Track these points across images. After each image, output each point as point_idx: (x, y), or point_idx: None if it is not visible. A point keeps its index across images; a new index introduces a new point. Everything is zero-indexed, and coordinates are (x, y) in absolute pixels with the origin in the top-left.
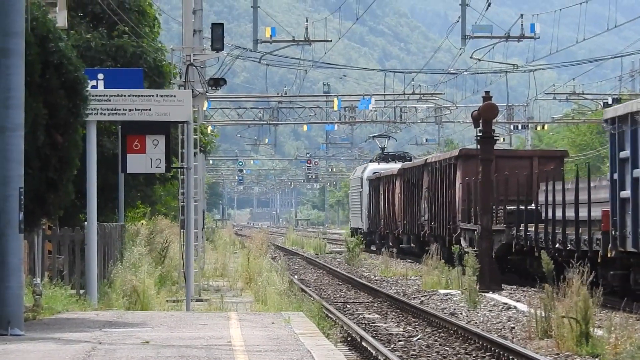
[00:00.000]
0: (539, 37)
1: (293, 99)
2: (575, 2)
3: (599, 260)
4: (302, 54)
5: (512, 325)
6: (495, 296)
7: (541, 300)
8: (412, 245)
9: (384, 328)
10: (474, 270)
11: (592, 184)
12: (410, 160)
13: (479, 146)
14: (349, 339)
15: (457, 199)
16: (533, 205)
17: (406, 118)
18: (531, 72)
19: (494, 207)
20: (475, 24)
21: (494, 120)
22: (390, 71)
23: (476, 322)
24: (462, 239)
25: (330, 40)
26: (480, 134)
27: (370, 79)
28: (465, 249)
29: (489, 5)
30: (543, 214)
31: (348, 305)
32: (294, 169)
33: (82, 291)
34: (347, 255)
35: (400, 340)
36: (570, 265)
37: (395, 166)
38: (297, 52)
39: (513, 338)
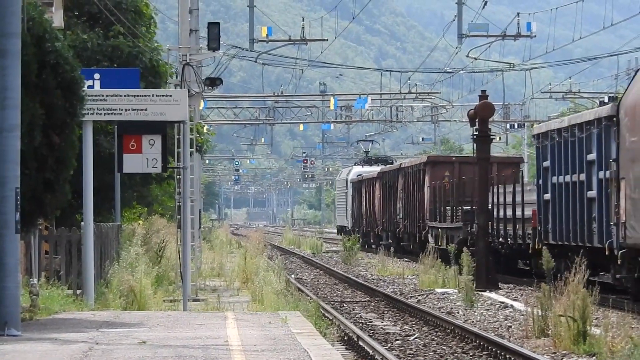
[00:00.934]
0: (535, 36)
1: (289, 99)
2: (571, 0)
3: (529, 252)
4: (299, 53)
5: (509, 324)
6: (492, 295)
7: (538, 299)
8: (390, 241)
9: (381, 327)
10: (470, 269)
11: (527, 188)
12: (391, 163)
13: (474, 145)
14: (346, 338)
15: (425, 200)
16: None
17: (402, 117)
18: (527, 71)
19: (453, 207)
20: (472, 23)
21: (490, 119)
22: (387, 70)
23: (473, 321)
24: (429, 235)
25: (327, 40)
26: (477, 133)
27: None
28: (432, 245)
29: (485, 4)
30: (495, 213)
31: (345, 305)
32: (290, 169)
33: (78, 291)
34: (344, 255)
35: (397, 340)
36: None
37: (377, 169)
38: (293, 52)
39: (510, 337)
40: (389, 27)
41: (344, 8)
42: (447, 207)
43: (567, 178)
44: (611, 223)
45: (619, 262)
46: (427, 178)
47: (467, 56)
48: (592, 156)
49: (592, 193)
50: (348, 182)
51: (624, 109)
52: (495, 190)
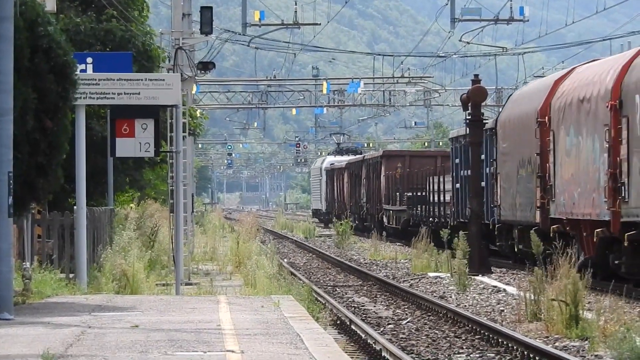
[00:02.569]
0: (528, 20)
1: (282, 83)
2: None
3: (448, 227)
4: (291, 37)
5: (502, 308)
6: (485, 279)
7: (530, 283)
8: (356, 222)
9: (374, 311)
10: (463, 253)
11: (448, 179)
12: (360, 153)
13: (467, 129)
14: (338, 322)
15: (382, 187)
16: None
17: (395, 101)
18: (520, 55)
19: (402, 193)
20: (465, 7)
21: (483, 103)
22: (380, 54)
23: (466, 305)
24: (384, 216)
25: (319, 24)
26: (469, 117)
27: (360, 62)
28: (386, 225)
29: None
30: (431, 199)
31: (337, 289)
32: (283, 153)
33: (71, 275)
34: (337, 239)
35: (390, 324)
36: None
37: (347, 159)
38: (286, 36)
39: (502, 321)
40: (381, 11)
41: None
42: (397, 193)
43: (469, 172)
44: (492, 205)
45: (496, 234)
46: (383, 169)
47: (460, 40)
48: (483, 156)
49: (482, 183)
50: (322, 170)
51: (500, 123)
52: (431, 180)
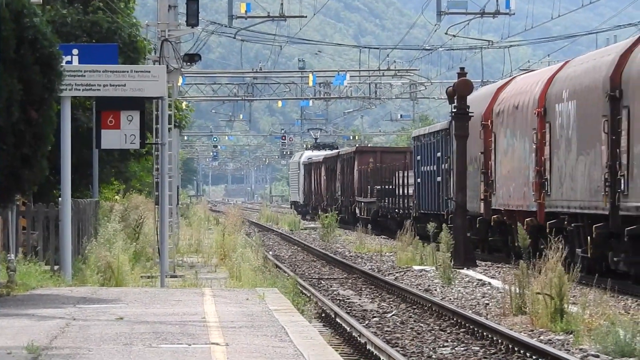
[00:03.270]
0: (514, 14)
1: (268, 75)
2: None
3: (411, 218)
4: (278, 29)
5: (487, 302)
6: (470, 272)
7: (516, 276)
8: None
9: (359, 304)
10: (448, 246)
11: (411, 173)
12: (336, 148)
13: (453, 122)
14: (323, 315)
15: (355, 181)
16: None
17: (381, 94)
18: (506, 49)
19: (372, 186)
20: (451, 0)
21: (469, 96)
22: (366, 47)
23: (451, 299)
24: (357, 208)
25: (306, 16)
26: (455, 110)
27: (346, 54)
28: (358, 215)
29: None
30: (397, 192)
31: (323, 282)
32: (269, 145)
33: (56, 267)
34: (322, 232)
35: (375, 317)
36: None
37: (324, 153)
38: (272, 28)
39: (487, 314)
40: (367, 3)
41: None
42: (368, 187)
43: (428, 168)
44: (446, 198)
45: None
46: (356, 163)
47: (446, 33)
48: (439, 154)
49: (439, 179)
50: (300, 165)
51: (452, 126)
52: (398, 174)
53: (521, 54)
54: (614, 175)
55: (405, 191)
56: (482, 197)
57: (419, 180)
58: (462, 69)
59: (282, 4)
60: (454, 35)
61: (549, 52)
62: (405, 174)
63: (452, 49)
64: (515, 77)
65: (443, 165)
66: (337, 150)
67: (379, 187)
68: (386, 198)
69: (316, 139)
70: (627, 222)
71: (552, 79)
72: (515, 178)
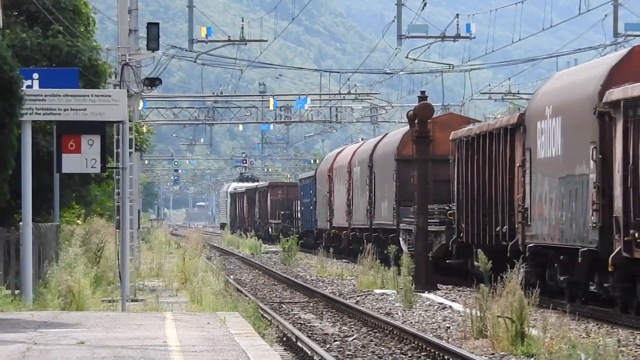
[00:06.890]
0: (474, 37)
1: (229, 99)
2: (511, 2)
3: (299, 233)
4: (238, 53)
5: (448, 325)
6: (431, 296)
7: (476, 300)
8: (252, 231)
9: (320, 328)
10: (409, 270)
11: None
12: (257, 181)
13: (414, 146)
14: (284, 339)
15: (268, 208)
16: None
17: (342, 118)
18: (467, 72)
19: (279, 211)
20: (411, 24)
21: (429, 120)
22: (326, 71)
23: (412, 322)
24: (270, 228)
25: (266, 40)
26: (416, 134)
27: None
28: (270, 233)
29: (424, 5)
30: (294, 215)
31: (284, 306)
32: (230, 169)
33: (17, 291)
34: (283, 255)
35: (336, 340)
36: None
37: (247, 185)
38: (232, 52)
39: (448, 338)
40: (328, 27)
41: (284, 8)
42: (277, 212)
43: (306, 200)
44: (313, 219)
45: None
46: (269, 194)
47: (407, 57)
48: (311, 191)
49: (311, 207)
50: (228, 193)
51: (318, 173)
52: (295, 203)
53: (482, 78)
54: None
55: (298, 215)
56: (345, 217)
57: (302, 208)
58: (422, 92)
59: (242, 28)
60: (415, 59)
61: (510, 75)
62: (298, 203)
63: (413, 73)
64: (346, 146)
65: (313, 199)
66: (256, 184)
67: (283, 212)
68: (287, 220)
69: (242, 173)
70: None
71: (376, 145)
72: (352, 206)
